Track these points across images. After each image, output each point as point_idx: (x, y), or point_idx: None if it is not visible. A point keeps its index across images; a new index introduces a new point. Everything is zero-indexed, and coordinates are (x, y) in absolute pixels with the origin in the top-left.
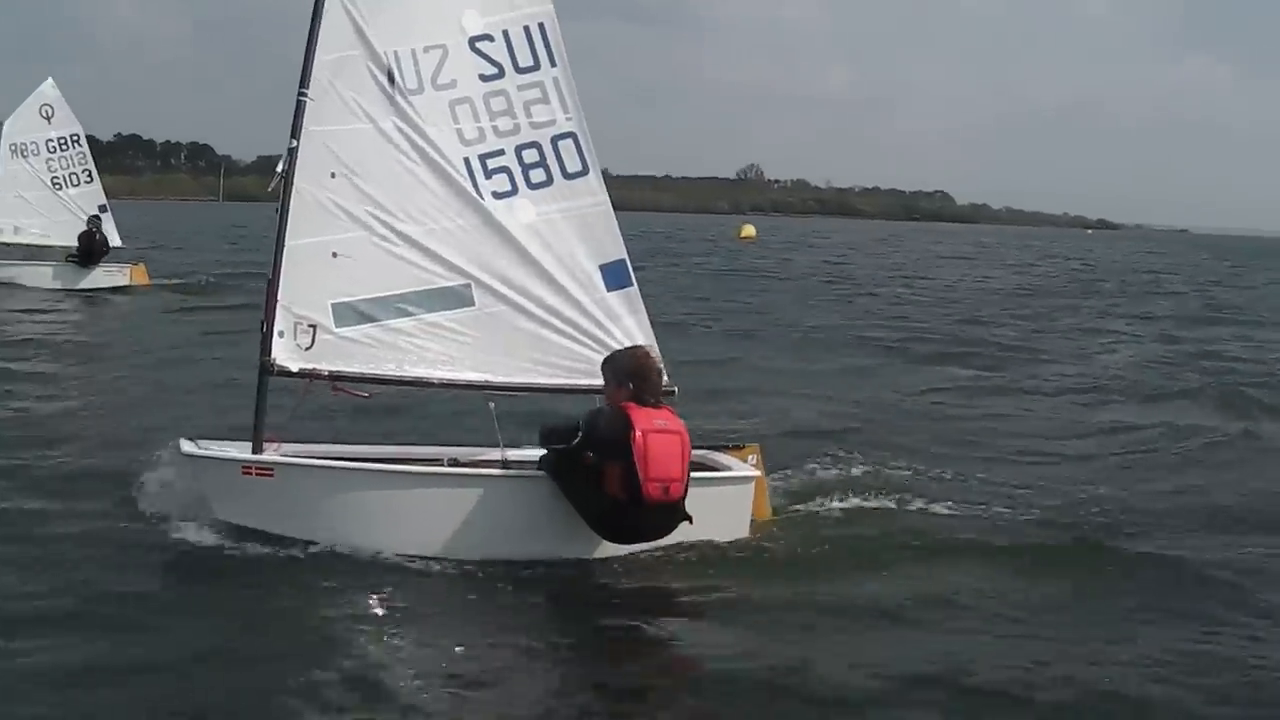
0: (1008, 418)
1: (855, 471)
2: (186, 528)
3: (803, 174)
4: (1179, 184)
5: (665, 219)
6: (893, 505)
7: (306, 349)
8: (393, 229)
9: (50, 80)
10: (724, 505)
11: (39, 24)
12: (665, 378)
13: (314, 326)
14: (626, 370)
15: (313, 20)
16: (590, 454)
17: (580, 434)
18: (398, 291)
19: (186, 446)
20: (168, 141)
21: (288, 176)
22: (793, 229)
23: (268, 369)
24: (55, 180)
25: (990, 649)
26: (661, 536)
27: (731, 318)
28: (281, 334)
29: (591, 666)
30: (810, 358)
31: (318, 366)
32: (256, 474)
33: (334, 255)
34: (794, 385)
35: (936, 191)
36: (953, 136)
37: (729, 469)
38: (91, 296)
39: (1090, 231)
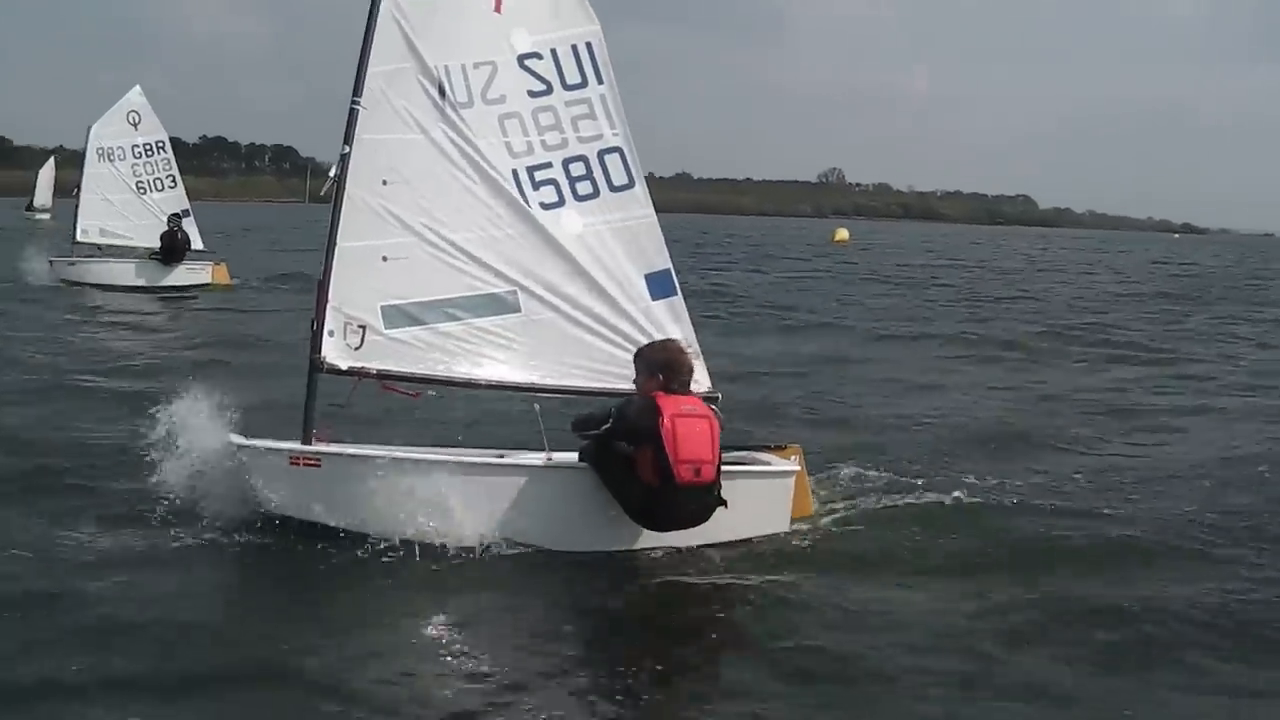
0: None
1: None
2: (234, 519)
3: (884, 177)
4: (1265, 187)
5: (748, 222)
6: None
7: (356, 349)
8: (442, 236)
9: (138, 88)
10: (764, 498)
11: (126, 27)
12: (703, 380)
13: (363, 327)
14: (656, 362)
15: (366, 31)
16: (622, 442)
17: (611, 421)
18: (446, 296)
19: (236, 438)
20: (252, 144)
21: (340, 181)
22: (879, 233)
23: (317, 366)
24: (140, 185)
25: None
26: (698, 523)
27: (867, 319)
28: (331, 333)
29: (633, 662)
30: (971, 358)
31: (367, 365)
32: (304, 464)
33: (384, 259)
34: (966, 384)
35: (1019, 195)
36: (1034, 138)
37: (769, 465)
38: (172, 293)
39: (1176, 236)
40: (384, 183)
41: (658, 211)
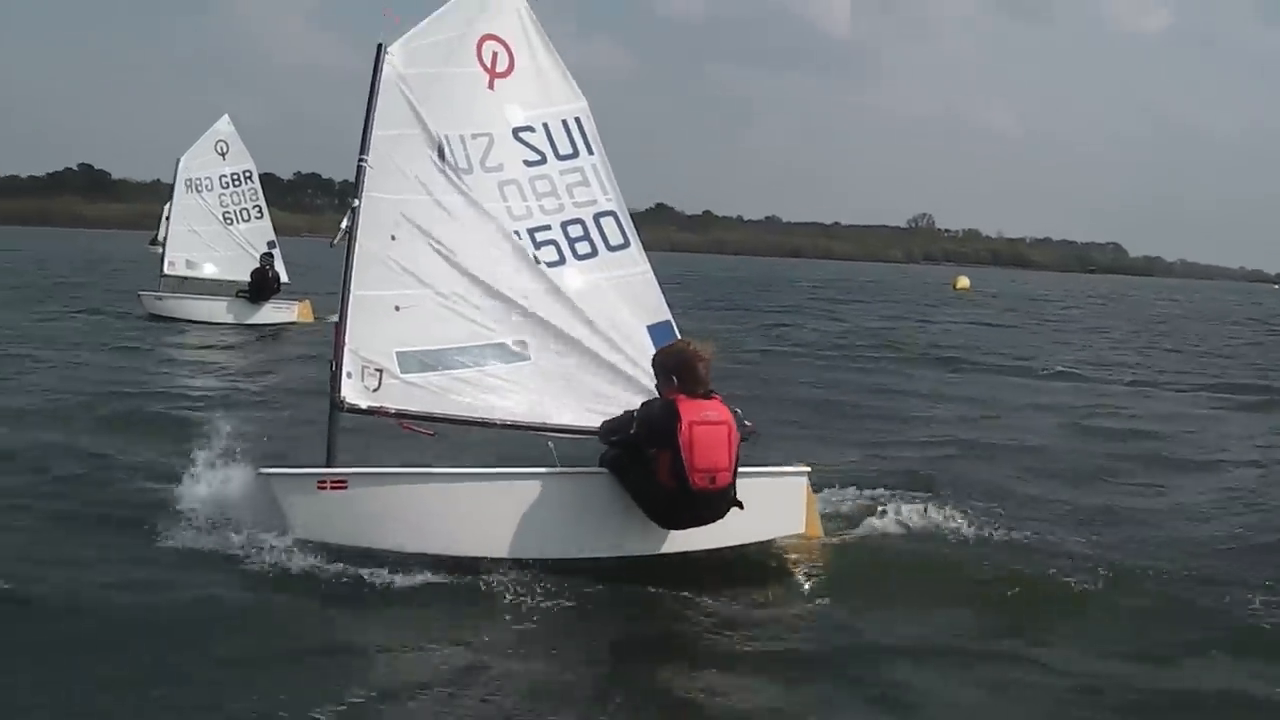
0: None
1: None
2: (264, 547)
3: (973, 223)
4: None
5: (844, 267)
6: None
7: (374, 390)
8: (452, 289)
9: (226, 117)
10: (778, 498)
11: (224, 61)
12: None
13: (380, 370)
14: (670, 365)
15: (370, 94)
16: (644, 445)
17: (634, 425)
18: (458, 345)
19: (264, 468)
20: (345, 180)
21: (351, 232)
22: (989, 280)
23: (338, 406)
24: (227, 215)
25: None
26: (713, 520)
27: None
28: (350, 375)
29: (651, 674)
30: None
31: (385, 405)
32: (332, 487)
33: (396, 309)
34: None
35: (1109, 243)
36: (1124, 184)
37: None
38: (257, 330)
39: (1278, 287)
40: (392, 238)
41: (748, 254)
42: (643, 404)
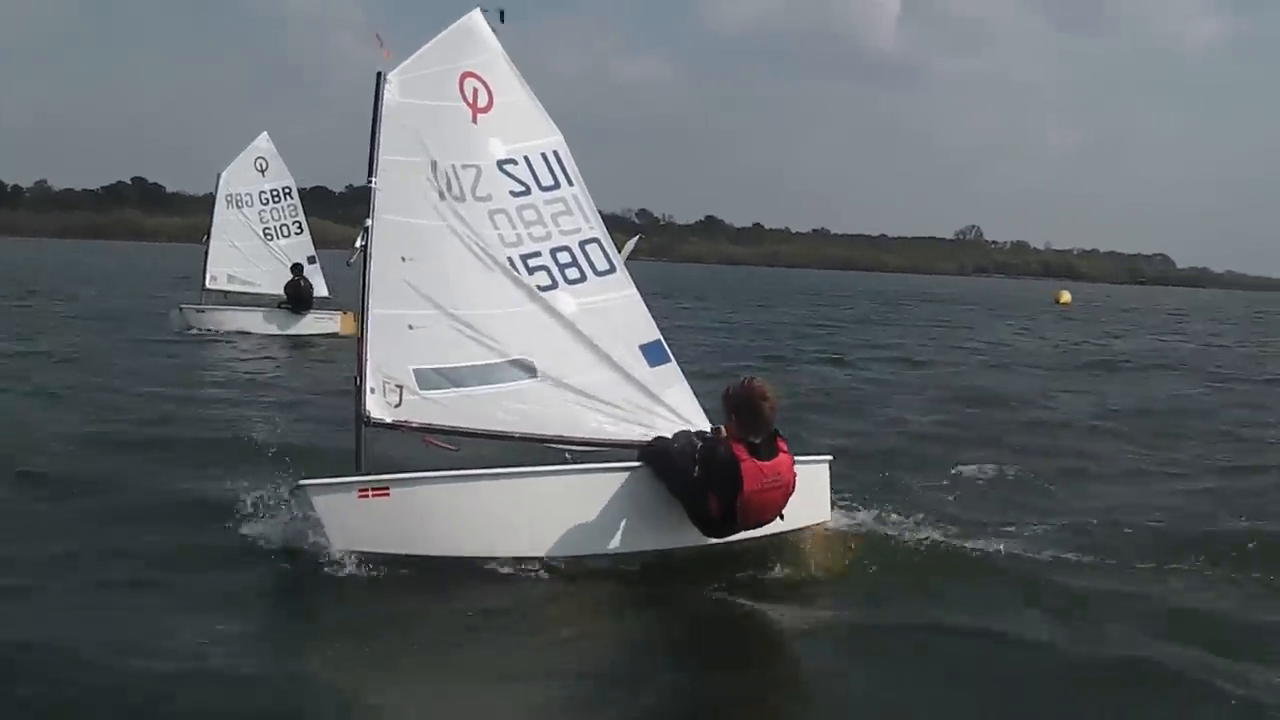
0: None
1: None
2: (302, 558)
3: (1021, 235)
4: None
5: (896, 280)
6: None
7: (396, 406)
8: (459, 309)
9: (265, 134)
10: (804, 487)
11: (273, 78)
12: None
13: (400, 387)
14: (732, 403)
15: (373, 120)
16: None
17: (698, 468)
18: (470, 364)
19: (302, 480)
20: None
21: (366, 251)
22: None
23: (364, 420)
24: (267, 231)
25: None
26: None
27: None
28: (373, 390)
29: (667, 671)
30: None
31: (409, 420)
32: (373, 495)
33: (410, 327)
34: None
35: (1156, 254)
36: (1173, 197)
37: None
38: (299, 342)
39: None
40: (403, 259)
41: (800, 266)
42: (707, 446)
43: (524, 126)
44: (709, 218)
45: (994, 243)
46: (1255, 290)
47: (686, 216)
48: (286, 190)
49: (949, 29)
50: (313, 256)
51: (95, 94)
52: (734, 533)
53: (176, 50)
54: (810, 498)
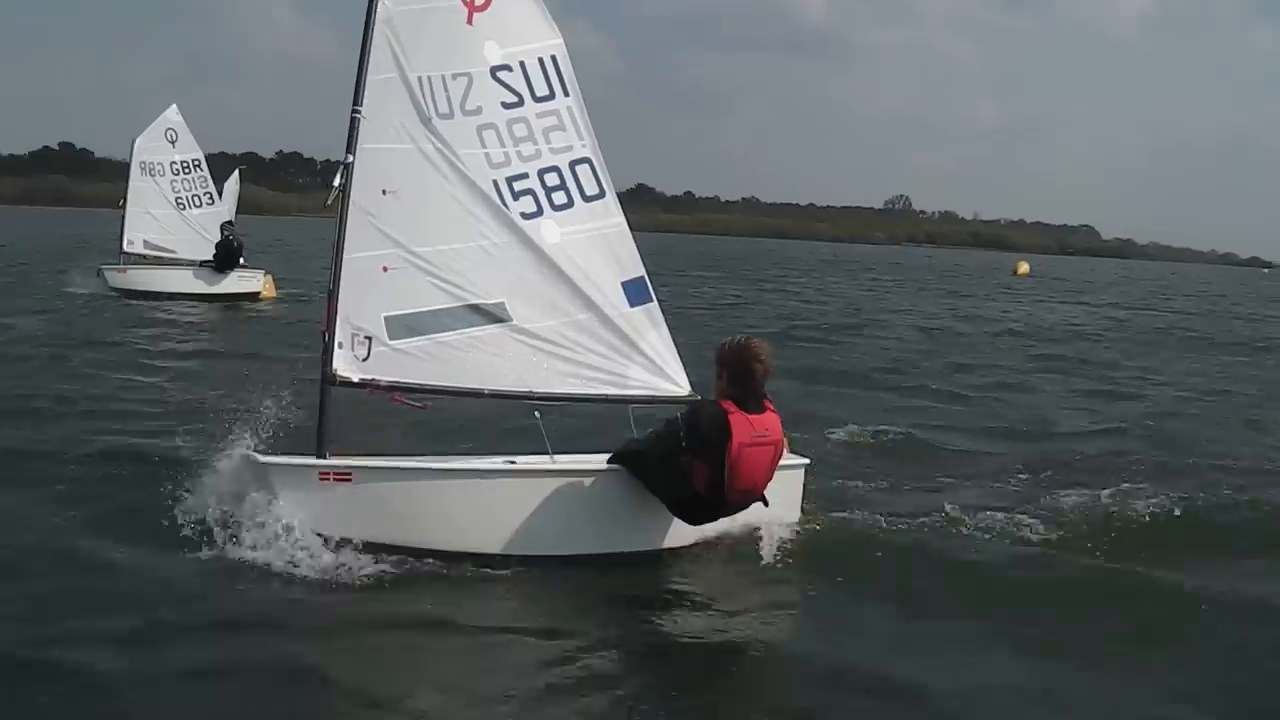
0: None
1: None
2: (252, 535)
3: (949, 205)
4: None
5: (830, 248)
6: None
7: (364, 360)
8: (433, 247)
9: (174, 107)
10: (778, 488)
11: (204, 45)
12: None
13: (369, 338)
14: (724, 360)
15: (364, 39)
16: (689, 456)
17: (684, 434)
18: (441, 307)
19: (262, 456)
20: (327, 160)
21: (345, 191)
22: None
23: (330, 380)
24: (179, 200)
25: None
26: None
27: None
28: (341, 345)
29: (660, 669)
30: None
31: (377, 377)
32: (335, 479)
33: (384, 269)
34: None
35: (1082, 226)
36: (1098, 170)
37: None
38: (223, 301)
39: (1267, 270)
40: (383, 192)
41: (733, 234)
42: (690, 409)
43: (523, 27)
44: (640, 185)
45: (923, 212)
46: (1177, 262)
47: (617, 184)
48: (196, 162)
49: (877, 2)
50: (229, 223)
51: (22, 57)
52: (717, 515)
53: (107, 10)
54: (783, 499)
